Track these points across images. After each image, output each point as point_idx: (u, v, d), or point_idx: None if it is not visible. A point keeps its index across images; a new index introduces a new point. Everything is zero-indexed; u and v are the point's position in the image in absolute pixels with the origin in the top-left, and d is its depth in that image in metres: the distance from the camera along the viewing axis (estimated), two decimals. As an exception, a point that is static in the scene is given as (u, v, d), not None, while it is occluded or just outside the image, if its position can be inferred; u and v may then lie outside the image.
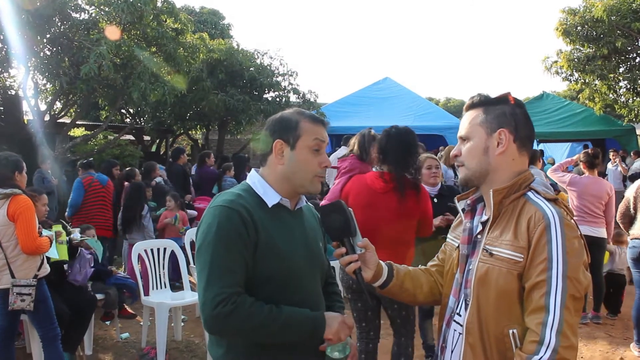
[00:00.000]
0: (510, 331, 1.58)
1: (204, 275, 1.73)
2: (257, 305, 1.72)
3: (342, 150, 8.37)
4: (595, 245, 5.61)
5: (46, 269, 4.11)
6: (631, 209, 5.10)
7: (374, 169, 3.72)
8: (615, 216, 5.45)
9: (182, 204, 7.37)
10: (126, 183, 7.50)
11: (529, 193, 1.67)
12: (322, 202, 3.64)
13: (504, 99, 1.75)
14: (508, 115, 1.71)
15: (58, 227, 4.58)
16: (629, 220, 5.16)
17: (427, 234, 3.68)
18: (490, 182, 1.72)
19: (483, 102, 1.76)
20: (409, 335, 3.66)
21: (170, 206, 7.13)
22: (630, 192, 5.18)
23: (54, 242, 4.28)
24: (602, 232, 5.65)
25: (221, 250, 1.73)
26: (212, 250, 1.73)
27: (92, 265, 4.95)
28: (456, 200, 1.89)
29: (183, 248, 5.83)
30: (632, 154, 12.79)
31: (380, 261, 1.88)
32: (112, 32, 8.32)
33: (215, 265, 1.72)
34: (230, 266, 1.72)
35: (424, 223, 3.60)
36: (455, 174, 7.12)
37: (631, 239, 5.08)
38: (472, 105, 1.78)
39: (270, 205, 1.85)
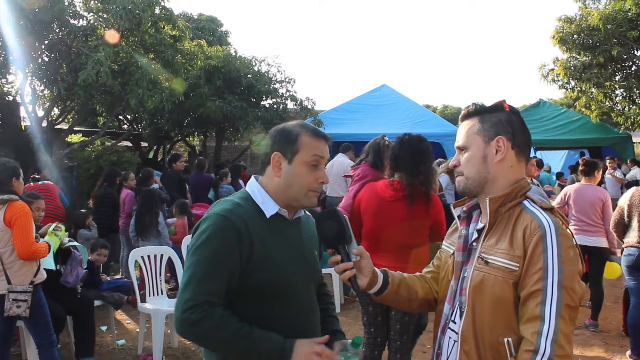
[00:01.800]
0: (506, 340, 1.59)
1: (184, 278, 1.75)
2: (226, 319, 1.71)
3: (339, 157, 8.39)
4: (593, 255, 5.63)
5: (42, 275, 4.11)
6: (625, 218, 5.11)
7: (386, 177, 3.75)
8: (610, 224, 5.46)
9: (188, 212, 7.42)
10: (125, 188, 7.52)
11: (525, 202, 1.68)
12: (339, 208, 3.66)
13: (499, 106, 1.76)
14: (504, 122, 1.72)
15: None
16: (623, 229, 5.17)
17: (438, 239, 3.66)
18: (489, 190, 1.72)
19: (478, 111, 1.77)
20: (405, 351, 3.61)
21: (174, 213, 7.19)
22: (624, 201, 5.18)
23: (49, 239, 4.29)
24: (600, 242, 5.65)
25: (207, 257, 1.74)
26: (198, 255, 1.75)
27: (85, 267, 4.93)
28: (452, 207, 1.89)
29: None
30: (628, 162, 12.81)
31: (376, 268, 1.87)
32: (111, 38, 8.33)
33: (196, 271, 1.73)
34: (211, 274, 1.73)
35: (436, 229, 3.60)
36: None
37: (625, 247, 5.08)
38: (468, 115, 1.79)
39: (268, 216, 1.86)
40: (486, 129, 1.72)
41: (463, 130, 1.79)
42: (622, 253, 5.72)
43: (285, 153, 1.86)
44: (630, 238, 5.02)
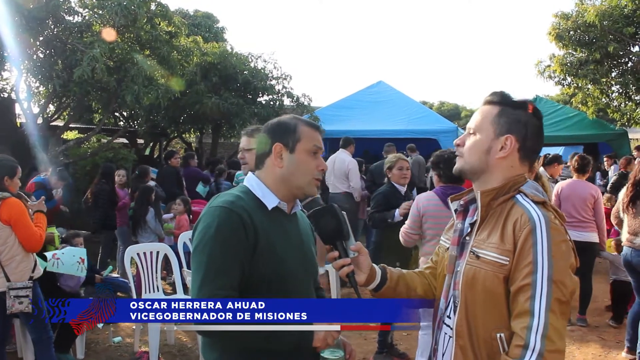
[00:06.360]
0: (498, 335, 1.58)
1: (199, 275, 1.73)
2: None
3: (341, 154, 8.36)
4: (582, 250, 5.64)
5: (39, 271, 4.10)
6: (621, 212, 5.13)
7: None
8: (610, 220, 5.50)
9: (190, 209, 7.44)
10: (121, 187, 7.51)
11: (518, 196, 1.67)
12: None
13: (523, 105, 1.72)
14: (522, 123, 1.69)
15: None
16: (621, 223, 5.19)
17: None
18: (484, 181, 1.72)
19: (502, 102, 1.73)
20: None
21: (178, 209, 7.19)
22: (621, 196, 5.20)
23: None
24: (590, 237, 5.67)
25: (218, 251, 1.73)
26: (209, 250, 1.73)
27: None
28: (449, 201, 1.89)
29: (176, 251, 5.82)
30: (604, 159, 12.70)
31: (374, 265, 1.87)
32: (106, 35, 8.29)
33: (210, 266, 1.72)
34: (225, 268, 1.73)
35: None
36: None
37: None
38: (491, 101, 1.75)
39: (269, 208, 1.86)
40: (501, 123, 1.70)
41: (479, 114, 1.76)
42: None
43: (286, 143, 1.88)
44: (622, 236, 5.05)
